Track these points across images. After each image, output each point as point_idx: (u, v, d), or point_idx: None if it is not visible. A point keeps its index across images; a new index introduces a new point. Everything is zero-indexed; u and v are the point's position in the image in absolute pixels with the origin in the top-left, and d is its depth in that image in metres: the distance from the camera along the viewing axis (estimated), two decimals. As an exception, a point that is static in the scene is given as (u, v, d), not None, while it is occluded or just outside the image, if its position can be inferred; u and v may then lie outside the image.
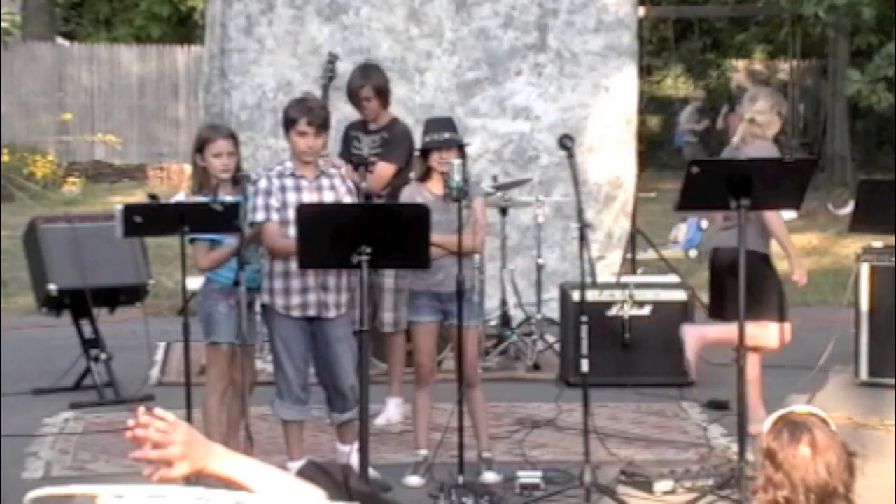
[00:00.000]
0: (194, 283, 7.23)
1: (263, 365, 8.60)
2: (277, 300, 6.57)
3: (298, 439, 6.72)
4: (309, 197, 6.57)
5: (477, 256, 6.97)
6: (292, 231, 6.40)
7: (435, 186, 6.74)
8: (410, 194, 6.89)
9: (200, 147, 6.70)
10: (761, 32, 27.27)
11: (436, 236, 6.36)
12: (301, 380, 6.65)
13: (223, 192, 6.61)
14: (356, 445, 6.28)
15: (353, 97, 8.05)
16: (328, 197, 6.64)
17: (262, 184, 6.58)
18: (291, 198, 6.55)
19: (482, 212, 6.87)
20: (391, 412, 7.91)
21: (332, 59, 9.08)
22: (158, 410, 2.82)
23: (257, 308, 6.83)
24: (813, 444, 3.19)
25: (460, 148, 6.73)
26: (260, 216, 6.50)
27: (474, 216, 6.75)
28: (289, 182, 6.60)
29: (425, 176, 6.82)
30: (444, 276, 6.60)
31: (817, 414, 3.31)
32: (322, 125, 6.60)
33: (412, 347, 7.08)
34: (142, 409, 2.82)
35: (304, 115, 6.58)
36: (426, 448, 6.84)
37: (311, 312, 6.58)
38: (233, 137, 6.79)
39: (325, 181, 6.68)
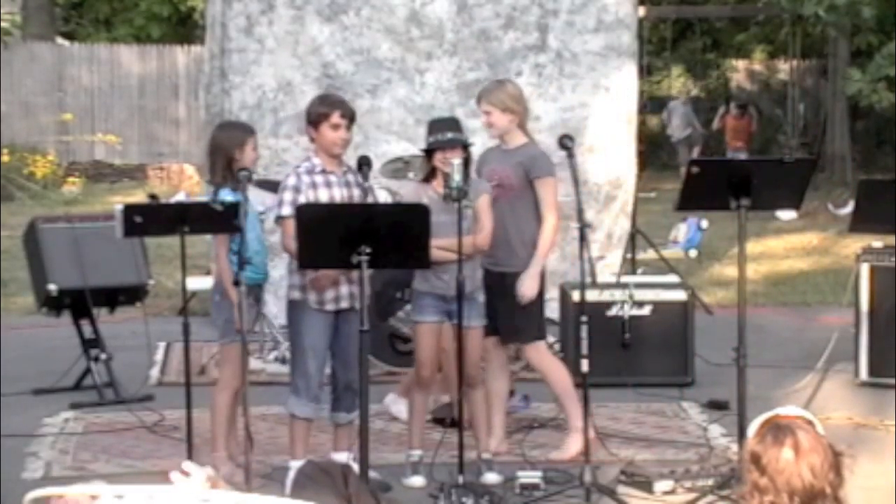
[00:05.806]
0: (194, 283, 7.24)
1: (263, 365, 8.61)
2: (311, 295, 6.51)
3: (305, 438, 6.64)
4: (339, 192, 6.55)
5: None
6: None
7: (439, 186, 6.69)
8: (415, 194, 6.86)
9: (241, 143, 6.70)
10: (761, 32, 27.29)
11: (437, 242, 6.33)
12: (321, 378, 6.60)
13: (227, 190, 6.61)
14: (353, 452, 6.26)
15: None
16: (356, 193, 6.60)
17: (291, 181, 6.53)
18: (323, 195, 6.51)
19: (487, 210, 6.82)
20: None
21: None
22: None
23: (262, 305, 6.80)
24: (796, 446, 3.18)
25: (465, 148, 6.71)
26: (286, 212, 6.47)
27: (478, 214, 6.72)
28: (318, 179, 6.55)
29: (429, 176, 6.79)
30: (449, 279, 6.56)
31: (803, 416, 3.29)
32: (352, 118, 6.61)
33: (414, 347, 7.07)
34: None
35: (336, 108, 6.57)
36: (420, 448, 6.82)
37: (344, 304, 6.53)
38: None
39: (351, 177, 6.64)
